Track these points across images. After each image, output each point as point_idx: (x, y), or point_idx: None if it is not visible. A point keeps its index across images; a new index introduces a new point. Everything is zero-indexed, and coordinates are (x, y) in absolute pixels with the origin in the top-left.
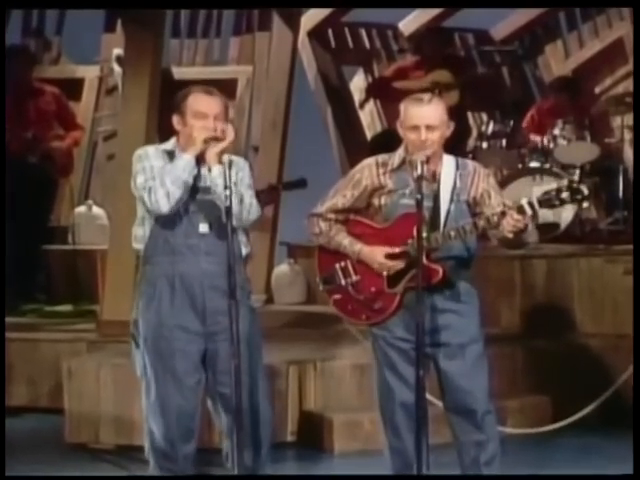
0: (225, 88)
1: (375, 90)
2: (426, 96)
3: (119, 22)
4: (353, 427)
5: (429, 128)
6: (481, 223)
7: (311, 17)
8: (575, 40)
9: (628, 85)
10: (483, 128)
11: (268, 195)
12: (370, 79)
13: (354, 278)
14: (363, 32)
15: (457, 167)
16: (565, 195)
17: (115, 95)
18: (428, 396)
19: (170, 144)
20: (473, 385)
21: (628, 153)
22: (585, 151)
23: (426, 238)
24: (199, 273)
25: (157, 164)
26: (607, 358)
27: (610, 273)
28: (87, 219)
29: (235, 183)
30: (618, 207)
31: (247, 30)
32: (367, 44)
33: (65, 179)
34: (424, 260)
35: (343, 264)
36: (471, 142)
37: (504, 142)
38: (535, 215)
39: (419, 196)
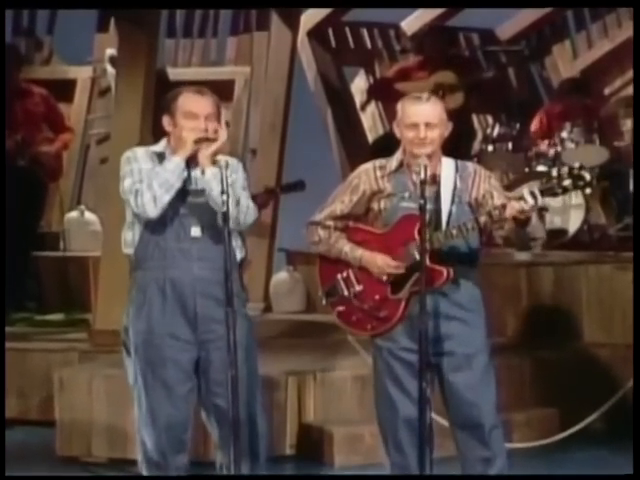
0: (222, 89)
1: (377, 91)
2: (424, 94)
3: (112, 22)
4: (354, 440)
5: (428, 125)
6: (483, 219)
7: (311, 16)
8: (584, 40)
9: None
10: (488, 131)
11: (264, 199)
12: (372, 80)
13: (357, 288)
14: (364, 32)
15: (457, 169)
16: (567, 183)
17: (108, 97)
18: (433, 415)
19: (160, 146)
20: (480, 398)
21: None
22: (594, 154)
23: (428, 239)
24: (191, 279)
25: (145, 166)
26: (617, 369)
27: (620, 281)
28: (79, 225)
29: (230, 185)
30: (628, 212)
31: (245, 30)
32: (368, 44)
33: (55, 183)
34: (427, 262)
35: (345, 274)
36: (476, 145)
37: (510, 145)
38: (537, 205)
39: (422, 201)
